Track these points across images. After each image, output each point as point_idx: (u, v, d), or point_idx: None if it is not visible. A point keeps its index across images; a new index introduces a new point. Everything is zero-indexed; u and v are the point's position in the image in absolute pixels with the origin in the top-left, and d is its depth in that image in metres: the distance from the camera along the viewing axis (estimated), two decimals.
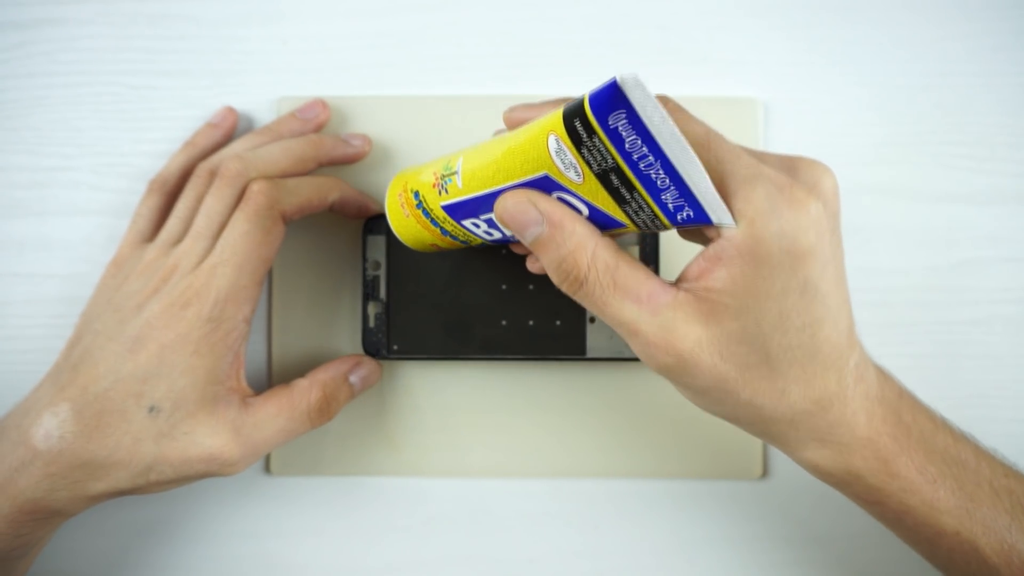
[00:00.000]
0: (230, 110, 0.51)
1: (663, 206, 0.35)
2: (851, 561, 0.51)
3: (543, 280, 0.50)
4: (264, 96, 0.52)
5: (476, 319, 0.50)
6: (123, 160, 0.52)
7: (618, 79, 0.32)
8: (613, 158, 0.33)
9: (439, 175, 0.40)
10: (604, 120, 0.33)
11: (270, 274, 0.51)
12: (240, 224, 0.44)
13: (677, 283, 0.37)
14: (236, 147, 0.49)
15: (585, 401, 0.51)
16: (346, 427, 0.51)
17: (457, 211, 0.40)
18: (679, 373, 0.37)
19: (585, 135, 0.33)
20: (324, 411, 0.47)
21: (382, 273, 0.50)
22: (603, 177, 0.34)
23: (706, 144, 0.35)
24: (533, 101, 0.40)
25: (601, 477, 0.51)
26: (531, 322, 0.49)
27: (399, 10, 0.52)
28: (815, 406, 0.38)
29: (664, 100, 0.36)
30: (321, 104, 0.50)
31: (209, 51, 0.52)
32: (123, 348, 0.43)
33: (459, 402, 0.51)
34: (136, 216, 0.49)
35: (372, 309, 0.50)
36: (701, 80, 0.52)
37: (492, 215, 0.39)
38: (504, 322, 0.49)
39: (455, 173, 0.39)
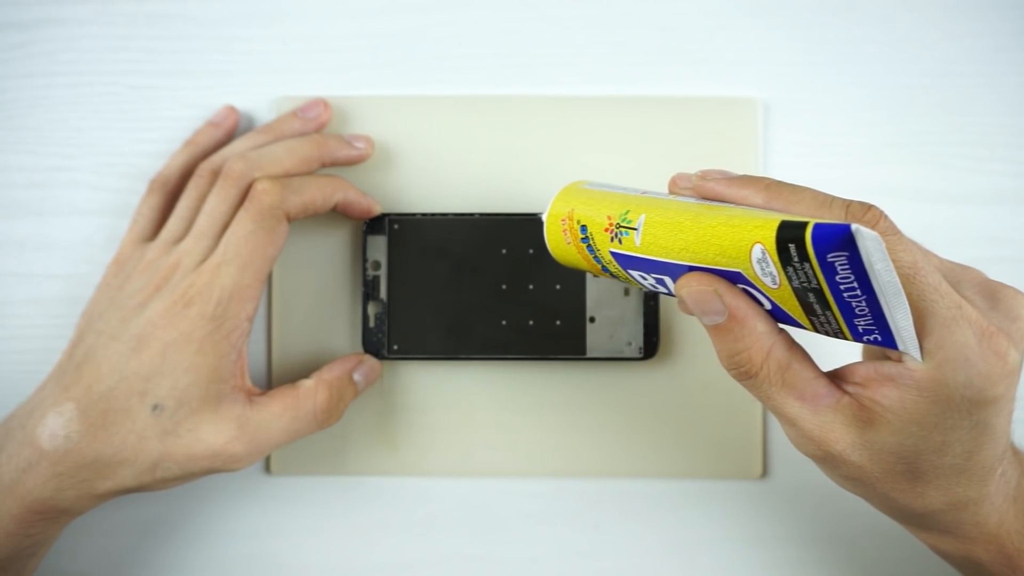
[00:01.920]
0: (231, 109, 0.51)
1: (853, 328, 0.35)
2: (851, 561, 0.51)
3: (543, 280, 0.50)
4: (264, 96, 0.52)
5: (476, 319, 0.50)
6: (123, 160, 0.52)
7: (853, 229, 0.31)
8: (818, 282, 0.33)
9: (614, 222, 0.39)
10: (823, 255, 0.32)
11: (270, 274, 0.51)
12: (245, 224, 0.44)
13: (840, 378, 0.37)
14: (238, 146, 0.49)
15: (585, 401, 0.51)
16: (346, 427, 0.51)
17: (628, 262, 0.39)
18: (823, 463, 0.38)
19: (796, 259, 0.33)
20: (332, 412, 0.47)
21: (382, 273, 0.50)
22: (800, 292, 0.34)
23: (911, 276, 0.34)
24: (731, 174, 0.39)
25: (601, 477, 0.51)
26: (531, 322, 0.49)
27: (399, 10, 0.52)
28: (949, 507, 0.38)
29: (876, 218, 0.35)
30: (323, 104, 0.50)
31: (209, 51, 0.52)
32: (126, 347, 0.43)
33: (459, 402, 0.51)
34: (137, 215, 0.49)
35: (372, 309, 0.50)
36: (701, 80, 0.52)
37: (665, 277, 0.38)
38: (504, 322, 0.50)
39: (634, 229, 0.39)
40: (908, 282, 0.34)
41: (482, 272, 0.50)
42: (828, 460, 0.37)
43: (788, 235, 0.33)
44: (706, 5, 0.52)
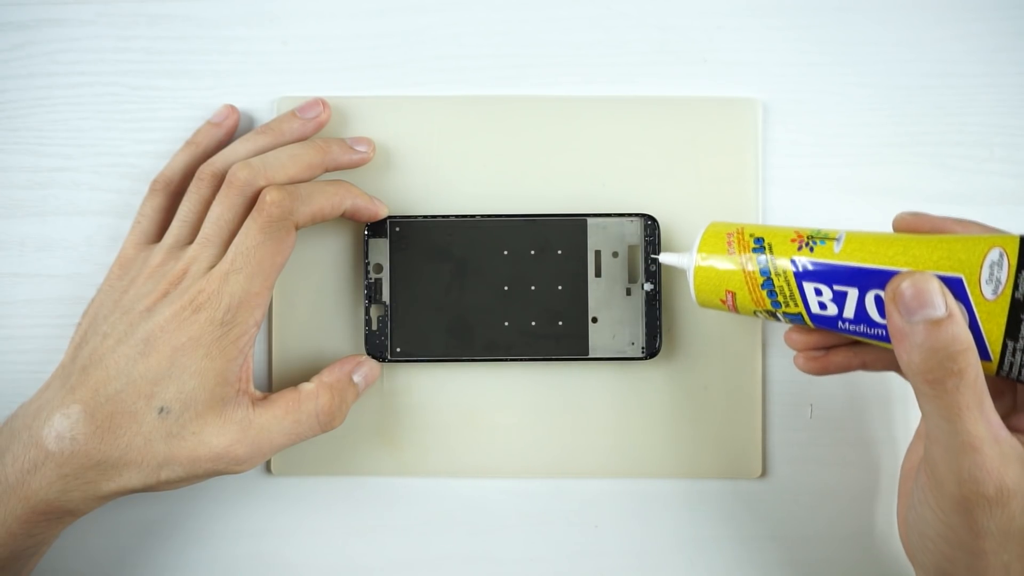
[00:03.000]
0: (232, 109, 0.51)
1: None
2: (851, 560, 0.51)
3: (545, 281, 0.50)
4: (264, 96, 0.52)
5: (478, 321, 0.50)
6: (124, 160, 0.52)
7: None
8: None
9: (804, 235, 0.42)
10: None
11: None
12: (254, 234, 0.44)
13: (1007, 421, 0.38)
14: (239, 149, 0.48)
15: (587, 401, 0.51)
16: (346, 427, 0.51)
17: (811, 272, 0.41)
18: (983, 506, 0.37)
19: None
20: (334, 414, 0.47)
21: (384, 276, 0.50)
22: (1018, 304, 0.36)
23: None
24: (929, 213, 0.42)
25: (601, 477, 0.52)
26: (533, 323, 0.50)
27: (399, 10, 0.52)
28: None
29: None
30: (322, 103, 0.50)
31: (209, 51, 0.52)
32: (134, 351, 0.43)
33: (461, 403, 0.51)
34: (139, 216, 0.49)
35: (374, 312, 0.50)
36: (701, 80, 0.52)
37: (850, 289, 0.40)
38: (507, 323, 0.50)
39: (834, 240, 0.41)
40: None
41: (484, 274, 0.50)
42: (993, 503, 0.37)
43: None
44: (706, 5, 0.52)
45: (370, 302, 0.50)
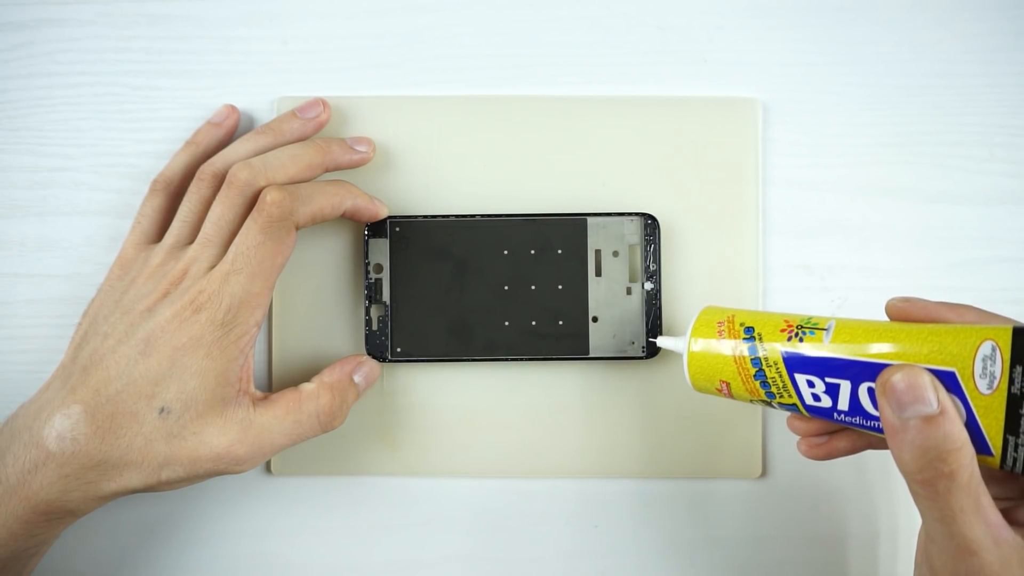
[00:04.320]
0: (232, 108, 0.51)
1: None
2: (850, 560, 0.51)
3: (545, 281, 0.50)
4: (264, 96, 0.52)
5: (479, 321, 0.50)
6: (124, 160, 0.52)
7: None
8: None
9: (794, 324, 0.41)
10: None
11: None
12: (254, 234, 0.44)
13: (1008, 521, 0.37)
14: (239, 149, 0.48)
15: (587, 401, 0.51)
16: (346, 427, 0.51)
17: (801, 363, 0.40)
18: None
19: None
20: (335, 414, 0.47)
21: (385, 276, 0.50)
22: (1014, 400, 0.34)
23: None
24: (927, 299, 0.41)
25: (601, 477, 0.52)
26: (534, 323, 0.50)
27: (399, 10, 0.52)
28: None
29: None
30: (322, 103, 0.50)
31: (210, 51, 0.52)
32: (134, 351, 0.43)
33: (461, 403, 0.51)
34: (140, 216, 0.49)
35: (375, 312, 0.50)
36: (701, 80, 0.52)
37: (843, 382, 0.39)
38: (507, 323, 0.50)
39: (823, 329, 0.40)
40: None
41: (484, 273, 0.50)
42: None
43: None
44: (706, 5, 0.52)
45: (370, 302, 0.50)
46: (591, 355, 0.50)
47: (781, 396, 0.41)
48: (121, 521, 0.52)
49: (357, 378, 0.48)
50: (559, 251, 0.50)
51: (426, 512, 0.52)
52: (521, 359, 0.50)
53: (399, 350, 0.50)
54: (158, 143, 0.52)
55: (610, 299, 0.50)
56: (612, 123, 0.51)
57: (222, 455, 0.43)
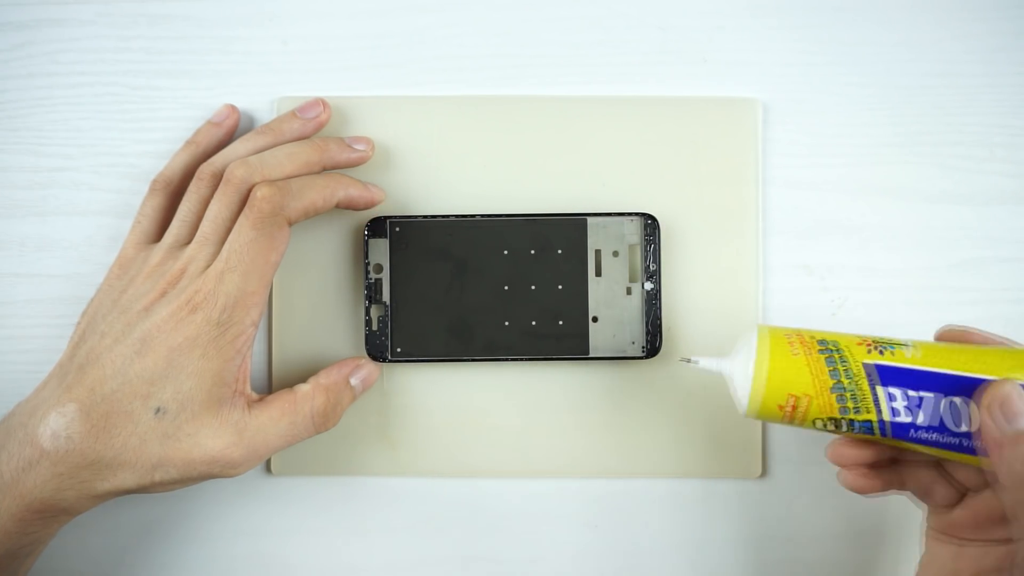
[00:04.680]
0: (232, 108, 0.51)
1: None
2: (849, 560, 0.51)
3: (545, 281, 0.50)
4: (264, 96, 0.52)
5: (479, 320, 0.50)
6: (124, 160, 0.52)
7: None
8: None
9: (872, 341, 0.41)
10: None
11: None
12: (246, 231, 0.44)
13: None
14: (239, 148, 0.48)
15: (587, 401, 0.51)
16: (346, 427, 0.51)
17: (890, 375, 0.40)
18: None
19: None
20: (329, 416, 0.47)
21: (384, 276, 0.50)
22: None
23: None
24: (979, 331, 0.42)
25: (601, 477, 0.52)
26: (534, 322, 0.50)
27: (399, 10, 0.52)
28: None
29: None
30: (322, 103, 0.50)
31: (210, 51, 0.52)
32: (130, 350, 0.43)
33: (461, 403, 0.51)
34: (139, 216, 0.49)
35: (375, 312, 0.50)
36: (701, 80, 0.52)
37: (927, 394, 0.39)
38: (507, 323, 0.50)
39: (904, 345, 0.40)
40: None
41: (484, 273, 0.50)
42: None
43: None
44: (706, 5, 0.52)
45: (370, 302, 0.50)
46: (591, 355, 0.50)
47: (857, 412, 0.40)
48: (120, 521, 0.52)
49: (354, 381, 0.48)
50: (559, 251, 0.50)
51: (426, 512, 0.52)
52: (521, 359, 0.50)
53: (399, 350, 0.50)
54: (158, 143, 0.52)
55: (610, 299, 0.50)
56: (612, 123, 0.51)
57: (217, 458, 0.43)
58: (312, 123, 0.50)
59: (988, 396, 0.37)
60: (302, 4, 0.52)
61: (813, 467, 0.52)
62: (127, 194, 0.51)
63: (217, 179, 0.47)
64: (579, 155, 0.51)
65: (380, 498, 0.52)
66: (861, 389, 0.40)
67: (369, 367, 0.49)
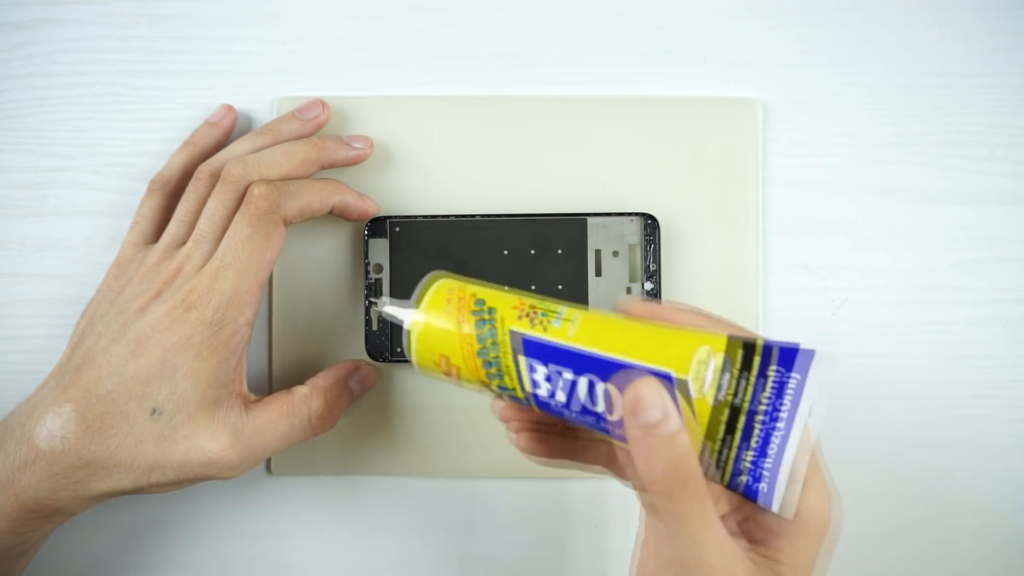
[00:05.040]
0: (229, 108, 0.51)
1: (737, 463, 0.35)
2: (849, 560, 0.51)
3: (545, 281, 0.50)
4: (264, 96, 0.52)
5: None
6: (124, 160, 0.52)
7: (818, 353, 0.32)
8: (743, 399, 0.34)
9: (530, 305, 0.38)
10: (766, 367, 0.33)
11: (271, 278, 0.51)
12: (242, 228, 0.44)
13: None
14: (237, 148, 0.49)
15: None
16: (346, 427, 0.51)
17: (533, 347, 0.37)
18: None
19: (740, 365, 0.33)
20: (326, 419, 0.47)
21: (384, 276, 0.50)
22: (716, 408, 0.34)
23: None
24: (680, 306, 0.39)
25: (601, 477, 0.51)
26: None
27: (399, 10, 0.52)
28: None
29: None
30: (321, 104, 0.50)
31: (209, 51, 0.52)
32: (126, 350, 0.43)
33: (461, 403, 0.51)
34: (137, 217, 0.49)
35: (375, 312, 0.50)
36: (701, 80, 0.52)
37: (574, 374, 0.36)
38: None
39: (559, 315, 0.37)
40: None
41: (484, 273, 0.50)
42: None
43: (743, 341, 0.33)
44: (706, 5, 0.52)
45: (370, 303, 0.50)
46: None
47: (502, 378, 0.38)
48: (120, 521, 0.52)
49: (352, 383, 0.48)
50: (559, 251, 0.50)
51: (426, 512, 0.52)
52: None
53: (399, 350, 0.50)
54: (158, 143, 0.52)
55: (610, 299, 0.50)
56: (612, 123, 0.51)
57: (213, 460, 0.43)
58: (311, 124, 0.50)
59: (625, 391, 0.35)
60: (302, 4, 0.52)
61: None
62: (127, 194, 0.51)
63: (215, 179, 0.47)
64: (579, 155, 0.51)
65: (380, 498, 0.52)
66: (506, 357, 0.37)
67: (367, 369, 0.49)
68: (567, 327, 0.37)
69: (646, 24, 0.52)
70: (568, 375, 0.36)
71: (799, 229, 0.52)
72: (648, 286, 0.50)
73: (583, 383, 0.36)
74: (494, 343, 0.38)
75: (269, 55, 0.52)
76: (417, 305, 0.39)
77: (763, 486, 0.35)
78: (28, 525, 0.43)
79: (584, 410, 0.37)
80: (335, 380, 0.48)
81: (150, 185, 0.49)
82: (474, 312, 0.38)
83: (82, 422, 0.42)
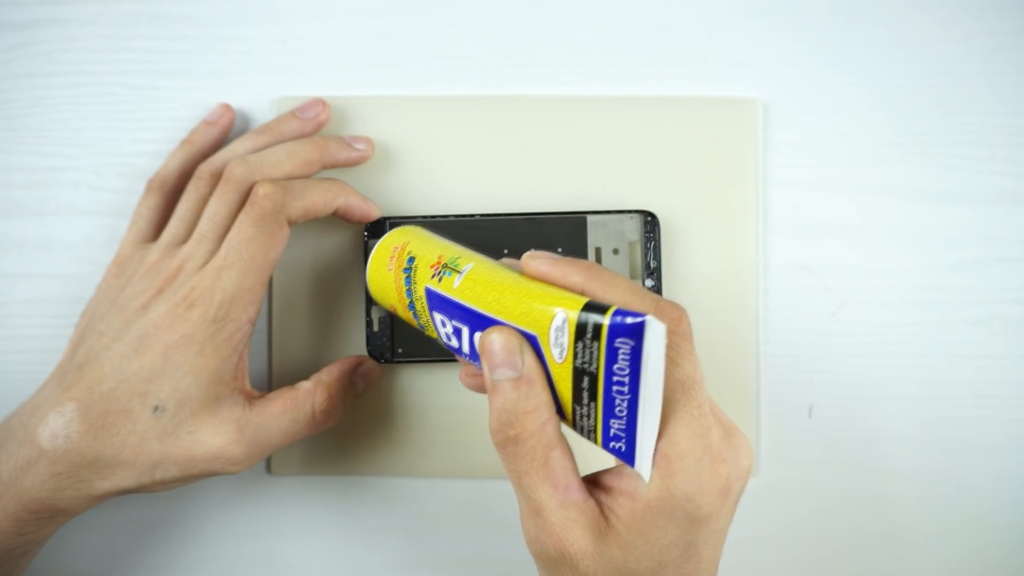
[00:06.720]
0: (226, 107, 0.51)
1: (606, 429, 0.36)
2: (848, 560, 0.51)
3: None
4: (264, 96, 0.52)
5: None
6: (123, 160, 0.52)
7: (647, 320, 0.33)
8: (597, 366, 0.34)
9: (443, 262, 0.41)
10: (613, 337, 0.34)
11: (271, 279, 0.51)
12: (245, 228, 0.44)
13: (592, 483, 0.38)
14: (237, 148, 0.49)
15: None
16: (346, 427, 0.51)
17: (437, 302, 0.40)
18: (552, 566, 0.37)
19: (590, 334, 0.34)
20: (330, 414, 0.47)
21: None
22: (578, 373, 0.35)
23: (688, 387, 0.36)
24: (556, 256, 0.39)
25: None
26: None
27: (399, 10, 0.52)
28: None
29: (678, 320, 0.36)
30: (321, 103, 0.50)
31: (209, 51, 0.52)
32: (128, 348, 0.43)
33: (462, 403, 0.51)
34: (136, 216, 0.49)
35: (376, 313, 0.50)
36: (701, 80, 0.52)
37: (464, 328, 0.39)
38: None
39: (459, 272, 0.40)
40: (682, 391, 0.35)
41: None
42: (558, 564, 0.36)
43: (591, 309, 0.34)
44: (706, 5, 0.52)
45: (371, 303, 0.50)
46: None
47: (427, 329, 0.42)
48: (120, 521, 0.52)
49: (356, 378, 0.48)
50: (559, 249, 0.50)
51: (426, 512, 0.52)
52: None
53: (400, 351, 0.50)
54: (157, 143, 0.52)
55: None
56: (612, 123, 0.51)
57: (217, 455, 0.43)
58: (311, 123, 0.50)
59: (480, 341, 0.37)
60: (302, 4, 0.52)
61: (812, 467, 0.52)
62: (126, 194, 0.51)
63: (216, 178, 0.47)
64: (579, 155, 0.51)
65: (380, 498, 0.52)
66: (425, 311, 0.41)
67: (371, 365, 0.49)
68: (454, 279, 0.39)
69: (646, 24, 0.52)
70: (456, 324, 0.39)
71: (799, 229, 0.52)
72: (649, 283, 0.50)
73: (465, 332, 0.39)
74: (416, 299, 0.41)
75: (269, 55, 0.52)
76: (368, 262, 0.44)
77: (620, 446, 0.36)
78: (31, 525, 0.43)
79: (472, 355, 0.39)
80: (339, 375, 0.48)
81: (148, 184, 0.49)
82: (405, 269, 0.42)
83: (85, 421, 0.42)
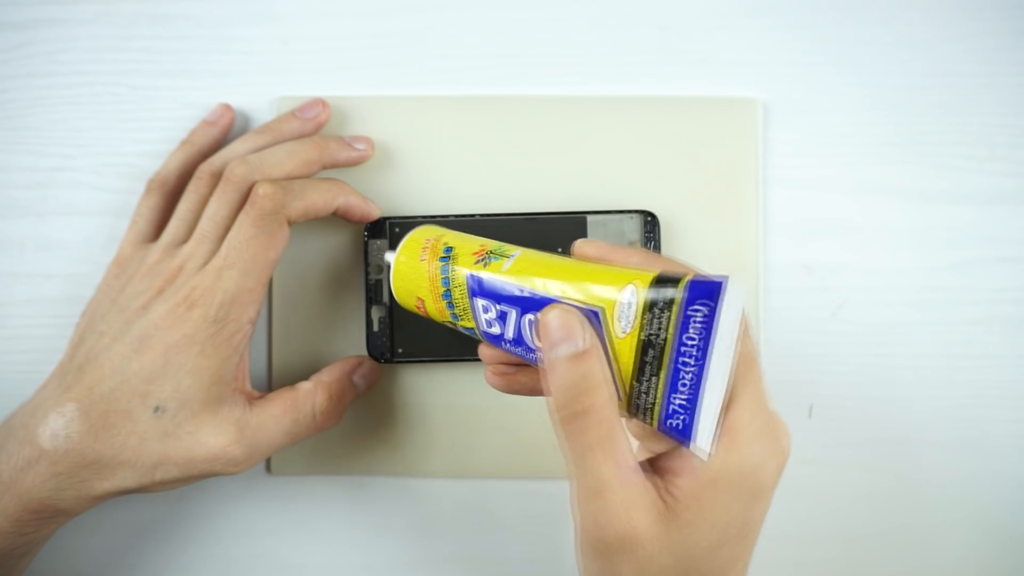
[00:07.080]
0: (226, 107, 0.51)
1: (667, 404, 0.35)
2: (849, 560, 0.51)
3: None
4: (264, 96, 0.52)
5: None
6: (123, 160, 0.52)
7: (729, 280, 0.33)
8: (666, 336, 0.34)
9: (488, 249, 0.41)
10: (692, 300, 0.34)
11: (271, 279, 0.51)
12: (246, 228, 0.44)
13: (648, 465, 0.37)
14: (238, 148, 0.49)
15: None
16: (346, 427, 0.51)
17: (482, 287, 0.40)
18: (609, 555, 0.36)
19: (662, 303, 0.34)
20: (330, 414, 0.47)
21: (385, 277, 0.50)
22: (644, 346, 0.35)
23: (752, 358, 0.36)
24: (610, 243, 0.40)
25: None
26: None
27: (399, 10, 0.52)
28: None
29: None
30: (321, 103, 0.50)
31: (209, 51, 0.52)
32: (128, 348, 0.43)
33: (462, 403, 0.51)
34: (136, 216, 0.49)
35: (376, 313, 0.50)
36: (701, 80, 0.52)
37: (512, 311, 0.39)
38: None
39: (507, 257, 0.40)
40: (744, 363, 0.35)
41: None
42: (618, 552, 0.35)
43: (665, 279, 0.34)
44: (706, 5, 0.52)
45: (371, 303, 0.50)
46: None
47: (464, 319, 0.41)
48: (120, 521, 0.52)
49: (356, 379, 0.48)
50: (559, 249, 0.50)
51: (426, 512, 0.52)
52: None
53: (400, 351, 0.50)
54: (157, 143, 0.52)
55: None
56: (612, 123, 0.51)
57: (218, 455, 0.43)
58: (311, 123, 0.50)
59: (539, 319, 0.37)
60: (302, 4, 0.52)
61: (813, 467, 0.52)
62: (126, 194, 0.51)
63: (216, 178, 0.47)
64: (579, 155, 0.51)
65: (380, 498, 0.52)
66: (463, 298, 0.41)
67: (371, 365, 0.49)
68: (503, 263, 0.40)
69: (646, 24, 0.52)
70: (502, 307, 0.39)
71: (799, 229, 0.52)
72: None
73: (512, 316, 0.39)
74: (456, 286, 0.41)
75: (269, 55, 0.52)
76: (397, 254, 0.44)
77: (678, 422, 0.35)
78: (31, 526, 0.43)
79: (517, 340, 0.39)
80: (339, 375, 0.48)
81: (148, 184, 0.49)
82: (442, 258, 0.42)
83: (85, 421, 0.42)
